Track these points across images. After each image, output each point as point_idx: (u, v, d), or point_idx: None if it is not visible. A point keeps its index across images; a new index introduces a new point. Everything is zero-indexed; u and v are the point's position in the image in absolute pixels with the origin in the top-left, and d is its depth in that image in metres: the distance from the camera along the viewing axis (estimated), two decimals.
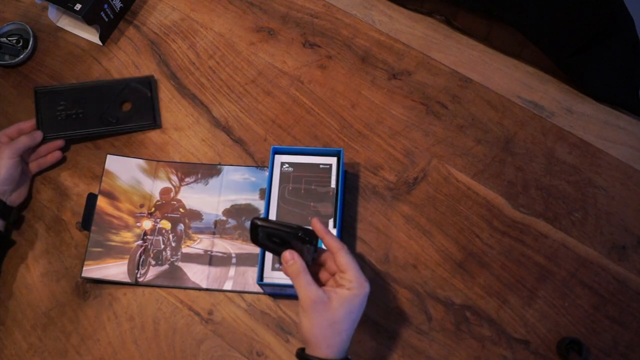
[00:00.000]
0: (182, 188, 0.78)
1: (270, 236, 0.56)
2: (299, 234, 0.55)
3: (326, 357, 0.52)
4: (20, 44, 0.90)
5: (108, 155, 0.80)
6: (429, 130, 0.79)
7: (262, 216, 0.70)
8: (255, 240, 0.58)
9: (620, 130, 0.77)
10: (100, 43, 0.89)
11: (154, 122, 0.82)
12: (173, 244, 0.74)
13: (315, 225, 0.56)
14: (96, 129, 0.82)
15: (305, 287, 0.53)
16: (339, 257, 0.54)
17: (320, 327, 0.52)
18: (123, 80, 0.85)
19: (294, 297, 0.70)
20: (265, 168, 0.78)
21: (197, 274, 0.72)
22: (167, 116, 0.83)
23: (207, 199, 0.76)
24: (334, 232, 0.68)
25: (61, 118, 0.82)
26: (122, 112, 0.83)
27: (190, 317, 0.71)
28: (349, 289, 0.53)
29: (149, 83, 0.84)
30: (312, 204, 0.70)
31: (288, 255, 0.55)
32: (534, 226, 0.72)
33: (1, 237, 0.74)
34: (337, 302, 0.53)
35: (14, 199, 0.76)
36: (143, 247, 0.74)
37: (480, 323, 0.68)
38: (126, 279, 0.72)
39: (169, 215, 0.76)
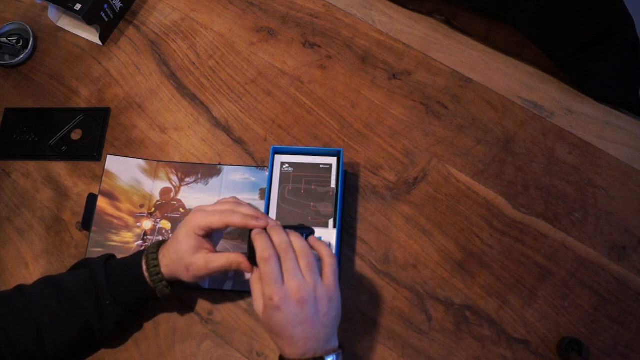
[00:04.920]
0: (182, 188, 0.78)
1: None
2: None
3: (285, 357, 0.56)
4: (20, 44, 0.90)
5: (108, 156, 0.80)
6: (429, 130, 0.79)
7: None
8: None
9: (620, 130, 0.77)
10: (100, 43, 0.90)
11: (96, 155, 0.82)
12: None
13: (254, 234, 0.58)
14: (43, 155, 0.83)
15: (252, 295, 0.58)
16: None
17: (267, 332, 0.58)
18: (82, 109, 0.85)
19: None
20: (265, 168, 0.78)
21: None
22: (167, 116, 0.83)
23: (207, 199, 0.76)
24: (334, 233, 0.68)
25: (16, 140, 0.84)
26: (70, 140, 0.83)
27: (190, 317, 0.71)
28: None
29: (103, 116, 0.84)
30: (312, 204, 0.70)
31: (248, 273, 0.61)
32: (534, 226, 0.72)
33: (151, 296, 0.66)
34: (264, 312, 0.56)
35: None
36: (143, 247, 0.74)
37: (480, 323, 0.68)
38: None
39: (169, 215, 0.76)
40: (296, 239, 0.57)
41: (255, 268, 0.58)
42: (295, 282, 0.54)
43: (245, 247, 0.73)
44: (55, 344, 0.61)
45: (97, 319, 0.62)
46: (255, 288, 0.58)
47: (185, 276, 0.62)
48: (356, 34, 0.86)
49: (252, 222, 0.60)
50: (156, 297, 0.65)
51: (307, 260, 0.56)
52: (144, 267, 0.63)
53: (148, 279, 0.63)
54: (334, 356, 0.55)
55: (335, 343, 0.57)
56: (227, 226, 0.61)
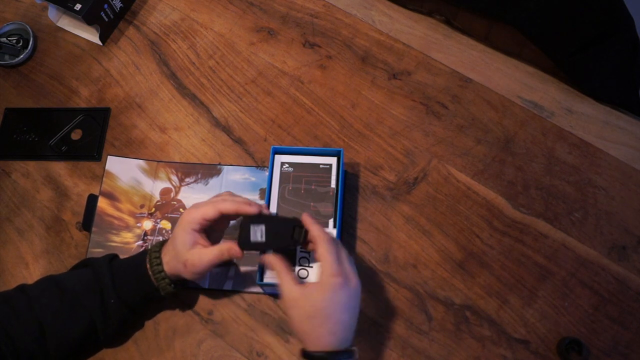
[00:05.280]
0: (182, 188, 0.78)
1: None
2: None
3: (315, 350, 0.54)
4: (20, 44, 0.90)
5: (108, 157, 0.80)
6: (429, 130, 0.79)
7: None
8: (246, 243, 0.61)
9: (620, 130, 0.77)
10: (100, 43, 0.90)
11: (96, 155, 0.81)
12: None
13: (305, 218, 0.59)
14: (43, 155, 0.83)
15: (283, 285, 0.57)
16: (317, 247, 0.57)
17: (300, 322, 0.55)
18: (82, 109, 0.85)
19: None
20: (265, 168, 0.78)
21: None
22: (167, 116, 0.83)
23: (207, 199, 0.76)
24: (334, 233, 0.68)
25: (16, 140, 0.84)
26: (70, 140, 0.83)
27: (190, 317, 0.71)
28: (319, 281, 0.55)
29: (103, 116, 0.84)
30: (312, 204, 0.70)
31: (267, 259, 0.59)
32: (534, 226, 0.72)
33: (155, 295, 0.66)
34: (307, 297, 0.55)
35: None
36: (143, 248, 0.74)
37: (480, 323, 0.68)
38: None
39: (169, 215, 0.76)
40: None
41: (272, 253, 0.59)
42: (351, 268, 0.56)
43: None
44: (58, 343, 0.61)
45: (101, 318, 0.63)
46: (282, 269, 0.57)
47: (185, 273, 0.62)
48: (356, 34, 0.86)
49: (244, 208, 0.61)
50: (160, 296, 0.65)
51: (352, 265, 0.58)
52: (148, 266, 0.64)
53: (152, 277, 0.63)
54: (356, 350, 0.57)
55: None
56: (220, 214, 0.62)
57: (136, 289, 0.64)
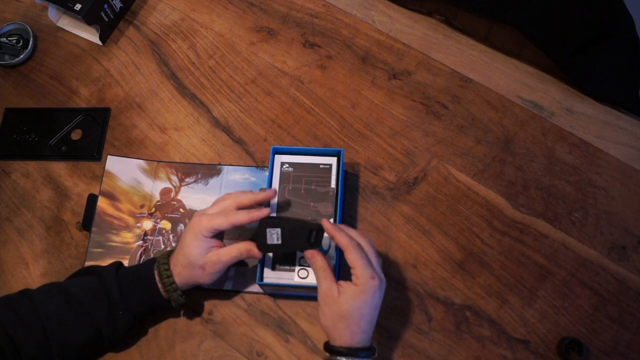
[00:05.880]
0: (182, 188, 0.78)
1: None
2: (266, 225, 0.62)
3: (340, 346, 0.56)
4: (20, 44, 0.90)
5: (108, 156, 0.80)
6: (429, 130, 0.79)
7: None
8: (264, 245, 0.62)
9: (620, 130, 0.77)
10: (100, 43, 0.90)
11: (96, 155, 0.81)
12: (173, 244, 0.74)
13: (325, 224, 0.60)
14: (42, 155, 0.83)
15: (321, 282, 0.58)
16: (347, 255, 0.57)
17: (331, 320, 0.57)
18: (82, 109, 0.85)
19: (293, 297, 0.70)
20: (265, 168, 0.78)
21: None
22: (167, 116, 0.83)
23: (207, 199, 0.77)
24: None
25: (16, 140, 0.84)
26: (70, 140, 0.83)
27: (190, 317, 0.71)
28: (355, 285, 0.56)
29: (103, 116, 0.84)
30: (312, 204, 0.70)
31: (309, 254, 0.60)
32: (534, 226, 0.72)
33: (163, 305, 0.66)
34: (344, 297, 0.56)
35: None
36: (143, 248, 0.74)
37: (480, 323, 0.68)
38: None
39: (169, 215, 0.76)
40: (365, 239, 0.61)
41: (315, 251, 0.60)
42: (379, 267, 0.58)
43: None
44: (62, 349, 0.61)
45: (107, 327, 0.62)
46: (324, 265, 0.58)
47: (203, 277, 0.63)
48: (356, 34, 0.86)
49: (256, 216, 0.62)
50: (169, 306, 0.65)
51: (377, 258, 0.60)
52: (157, 278, 0.64)
53: (161, 290, 0.63)
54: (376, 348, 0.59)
55: None
56: (233, 226, 0.62)
57: (144, 301, 0.64)
